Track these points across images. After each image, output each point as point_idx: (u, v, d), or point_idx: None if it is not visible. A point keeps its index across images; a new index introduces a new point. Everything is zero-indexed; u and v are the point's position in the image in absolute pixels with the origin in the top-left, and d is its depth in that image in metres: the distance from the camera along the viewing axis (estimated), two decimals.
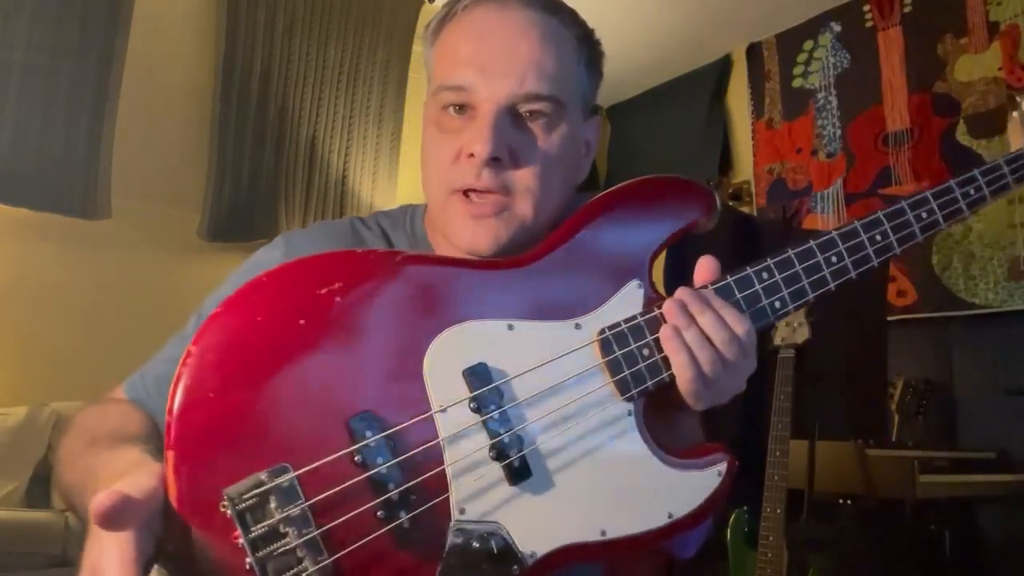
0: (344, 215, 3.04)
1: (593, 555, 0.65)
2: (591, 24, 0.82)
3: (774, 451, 2.04)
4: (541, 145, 0.75)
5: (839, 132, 3.47)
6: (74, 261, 2.77)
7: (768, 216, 3.65)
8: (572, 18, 0.79)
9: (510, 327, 0.67)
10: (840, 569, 2.28)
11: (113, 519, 0.49)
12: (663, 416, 0.72)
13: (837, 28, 3.52)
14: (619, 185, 0.75)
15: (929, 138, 3.12)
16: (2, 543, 2.18)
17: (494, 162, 0.72)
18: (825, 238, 0.74)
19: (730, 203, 3.78)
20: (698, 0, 3.50)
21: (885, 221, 0.75)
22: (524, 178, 0.74)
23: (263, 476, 0.56)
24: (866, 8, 3.40)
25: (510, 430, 0.63)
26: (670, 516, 0.66)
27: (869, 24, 3.39)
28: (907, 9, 3.25)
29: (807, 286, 0.73)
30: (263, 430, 0.58)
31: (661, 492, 0.67)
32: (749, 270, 0.72)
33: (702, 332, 0.67)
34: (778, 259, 0.73)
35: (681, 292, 0.69)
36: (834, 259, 0.74)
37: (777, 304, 0.72)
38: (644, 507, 0.66)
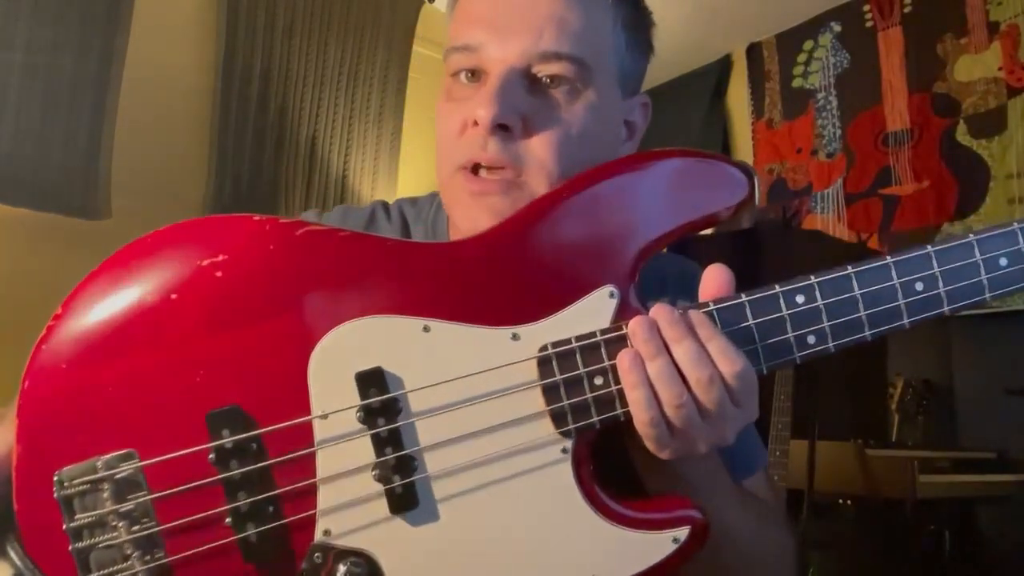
0: None
1: None
2: None
3: (774, 451, 2.05)
4: (562, 115, 0.63)
5: (839, 132, 3.46)
6: (74, 261, 2.76)
7: (768, 216, 3.64)
8: None
9: (426, 328, 0.54)
10: (840, 569, 2.28)
11: None
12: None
13: (837, 28, 3.52)
14: (622, 157, 0.61)
15: (929, 138, 3.12)
16: None
17: (501, 130, 0.62)
18: (914, 254, 0.54)
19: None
20: (698, 0, 3.50)
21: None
22: (538, 151, 0.62)
23: (99, 462, 0.50)
24: (866, 8, 3.40)
25: (400, 451, 0.52)
26: None
27: (869, 24, 3.39)
28: (907, 9, 3.25)
29: (865, 319, 0.54)
30: (115, 411, 0.51)
31: (590, 551, 0.53)
32: (778, 289, 0.55)
33: (673, 365, 0.52)
34: (827, 277, 0.55)
35: (658, 310, 0.54)
36: (920, 286, 0.54)
37: (811, 340, 0.54)
38: (560, 568, 0.52)
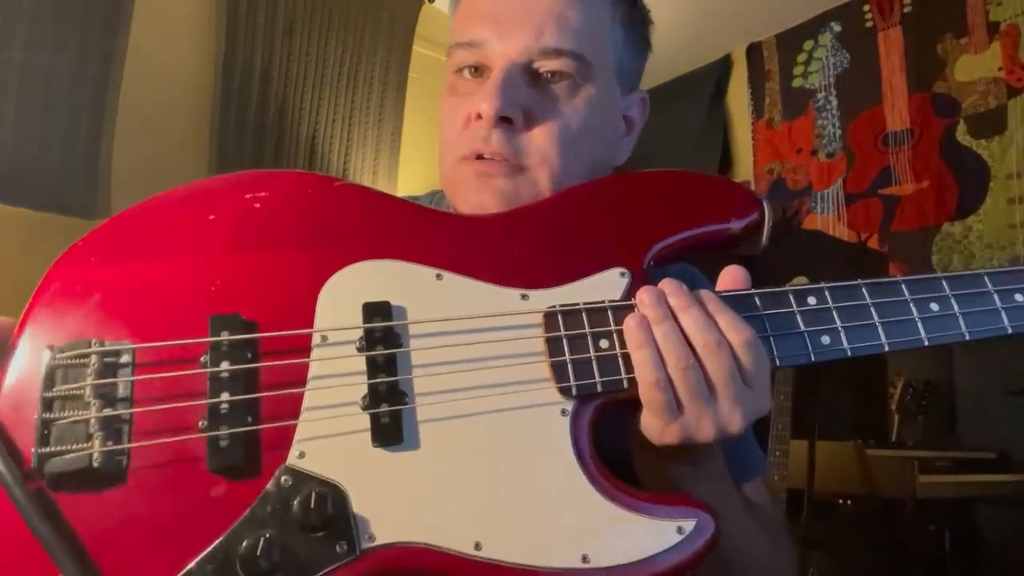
0: None
1: (457, 573, 0.47)
2: None
3: (774, 451, 2.05)
4: (563, 109, 0.64)
5: (839, 132, 3.46)
6: None
7: None
8: None
9: (439, 276, 0.55)
10: (840, 569, 2.28)
11: None
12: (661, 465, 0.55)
13: (837, 28, 3.52)
14: (646, 170, 0.63)
15: (929, 138, 3.12)
16: None
17: (504, 123, 0.63)
18: (927, 276, 0.55)
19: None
20: (698, 0, 3.50)
21: None
22: (540, 144, 0.64)
23: (95, 341, 0.49)
24: (866, 8, 3.40)
25: (393, 379, 0.51)
26: (584, 561, 0.47)
27: (869, 24, 3.39)
28: (907, 9, 3.25)
29: (881, 328, 0.54)
30: (125, 306, 0.52)
31: (581, 524, 0.48)
32: (788, 288, 0.55)
33: (680, 331, 0.51)
34: (838, 285, 0.55)
35: (666, 282, 0.54)
36: (934, 306, 0.55)
37: (825, 340, 0.54)
38: (549, 535, 0.48)
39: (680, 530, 0.48)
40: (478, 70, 0.66)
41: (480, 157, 0.65)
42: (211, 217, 0.55)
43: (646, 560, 0.47)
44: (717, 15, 3.64)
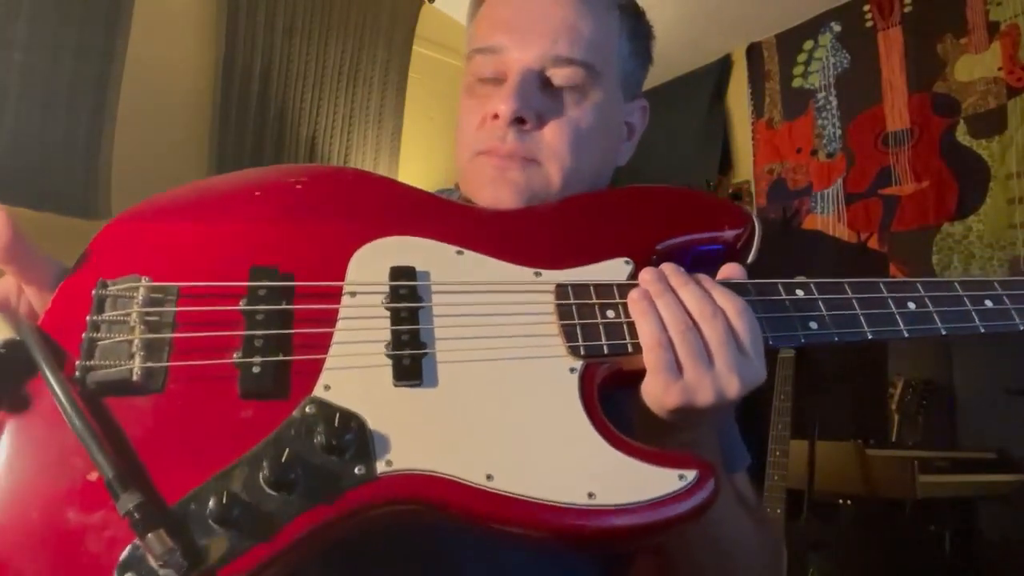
0: None
1: (470, 503, 0.49)
2: None
3: (774, 451, 2.05)
4: (572, 113, 0.70)
5: (839, 132, 3.46)
6: (74, 261, 2.76)
7: (768, 216, 3.64)
8: None
9: (459, 252, 0.61)
10: (840, 569, 2.28)
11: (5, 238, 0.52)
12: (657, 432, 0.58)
13: (837, 28, 3.52)
14: (654, 184, 0.70)
15: (929, 138, 3.12)
16: None
17: (519, 124, 0.69)
18: (904, 280, 0.62)
19: None
20: (698, 0, 3.50)
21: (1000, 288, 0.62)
22: (552, 143, 0.70)
23: (145, 278, 0.54)
24: (866, 8, 3.40)
25: (415, 327, 0.55)
26: (590, 496, 0.49)
27: (869, 24, 3.39)
28: (907, 9, 3.25)
29: (863, 319, 0.60)
30: (176, 251, 0.57)
31: (586, 465, 0.51)
32: (777, 280, 0.61)
33: (680, 303, 0.56)
34: (823, 280, 0.61)
35: (666, 265, 0.60)
36: (911, 304, 0.61)
37: (813, 325, 0.59)
38: (557, 472, 0.51)
39: (682, 477, 0.51)
40: (495, 78, 0.71)
41: (495, 153, 0.71)
42: (257, 193, 0.62)
43: (648, 502, 0.50)
44: (717, 15, 3.64)
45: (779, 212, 3.58)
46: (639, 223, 0.65)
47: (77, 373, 0.50)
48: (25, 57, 2.46)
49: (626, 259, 0.62)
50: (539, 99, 0.70)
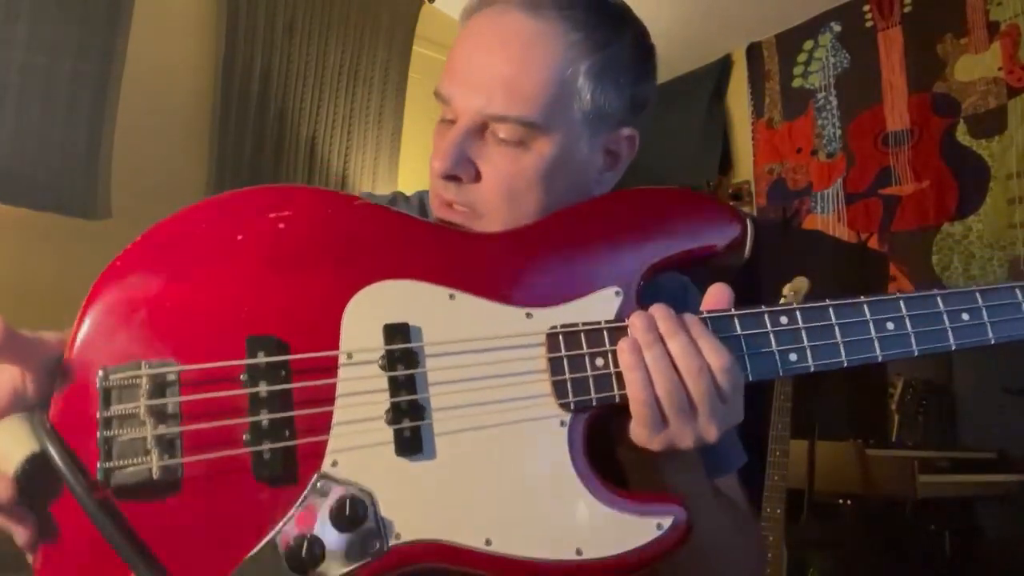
0: None
1: (474, 565, 0.55)
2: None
3: (774, 451, 2.04)
4: (511, 168, 0.68)
5: (839, 132, 3.47)
6: (74, 261, 2.76)
7: (768, 216, 3.64)
8: (585, 19, 0.69)
9: (451, 296, 0.61)
10: (840, 569, 2.28)
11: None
12: (642, 462, 0.63)
13: (837, 28, 3.52)
14: (638, 188, 0.68)
15: (929, 138, 3.12)
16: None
17: (452, 179, 0.69)
18: (887, 297, 0.63)
19: (731, 203, 3.78)
20: (698, 0, 3.50)
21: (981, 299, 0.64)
22: (488, 198, 0.69)
23: (144, 363, 0.55)
24: (866, 8, 3.40)
25: (413, 396, 0.57)
26: (578, 554, 0.56)
27: (869, 24, 3.39)
28: (907, 9, 3.25)
29: (842, 347, 0.61)
30: (167, 326, 0.57)
31: (575, 523, 0.56)
32: (764, 308, 0.62)
33: (668, 355, 0.58)
34: (809, 306, 0.62)
35: (656, 308, 0.60)
36: (891, 325, 0.63)
37: (792, 357, 0.61)
38: (548, 532, 0.56)
39: (659, 527, 0.57)
40: (452, 118, 0.71)
41: (440, 199, 0.72)
42: (239, 237, 0.60)
43: (629, 552, 0.56)
44: (717, 15, 3.64)
45: (779, 212, 3.58)
46: (627, 246, 0.65)
47: (99, 476, 0.52)
48: (25, 57, 2.46)
49: (616, 289, 0.63)
50: (477, 153, 0.69)
